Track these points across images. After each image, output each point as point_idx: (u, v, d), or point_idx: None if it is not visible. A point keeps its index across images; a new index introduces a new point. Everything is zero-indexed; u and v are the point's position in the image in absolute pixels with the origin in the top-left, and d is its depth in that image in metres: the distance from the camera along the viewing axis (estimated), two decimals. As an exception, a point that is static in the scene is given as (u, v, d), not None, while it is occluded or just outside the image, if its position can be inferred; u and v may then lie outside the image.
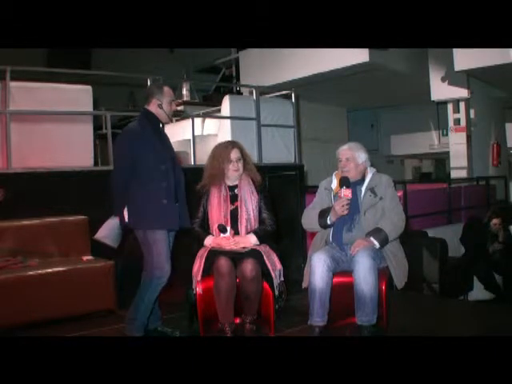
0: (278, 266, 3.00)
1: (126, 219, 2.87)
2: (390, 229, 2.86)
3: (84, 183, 3.86)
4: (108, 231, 2.94)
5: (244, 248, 2.96)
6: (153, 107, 2.93)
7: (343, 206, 2.86)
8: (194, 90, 7.94)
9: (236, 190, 3.12)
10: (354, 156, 3.00)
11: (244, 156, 3.15)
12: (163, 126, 3.10)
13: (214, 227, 3.05)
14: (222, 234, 3.01)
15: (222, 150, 3.12)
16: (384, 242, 2.84)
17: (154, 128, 2.93)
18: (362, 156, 3.01)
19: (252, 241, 3.01)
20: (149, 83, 4.18)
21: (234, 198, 3.10)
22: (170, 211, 2.87)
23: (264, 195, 3.16)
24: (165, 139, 3.03)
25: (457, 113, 7.88)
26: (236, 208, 3.08)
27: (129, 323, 2.89)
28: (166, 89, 2.97)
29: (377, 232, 2.84)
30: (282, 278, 3.01)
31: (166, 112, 2.94)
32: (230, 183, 3.14)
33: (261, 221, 3.12)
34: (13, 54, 4.18)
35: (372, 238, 2.83)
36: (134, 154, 2.79)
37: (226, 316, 2.87)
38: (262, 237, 3.05)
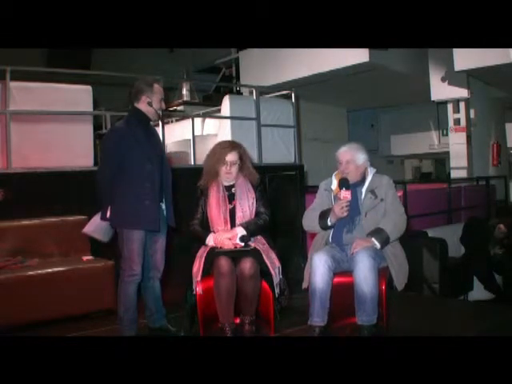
0: (277, 263, 3.00)
1: (108, 215, 2.86)
2: (391, 229, 2.85)
3: (84, 183, 3.85)
4: (95, 226, 2.95)
5: (248, 246, 2.96)
6: (142, 105, 2.88)
7: (342, 208, 2.85)
8: (194, 89, 7.93)
9: (233, 190, 3.12)
10: (353, 158, 2.98)
11: (243, 158, 3.12)
12: (155, 125, 3.05)
13: (215, 227, 3.05)
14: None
15: (220, 150, 3.08)
16: (385, 242, 2.83)
17: (142, 126, 2.90)
18: (361, 157, 3.00)
19: (238, 231, 2.98)
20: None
21: (231, 198, 3.10)
22: (150, 212, 2.83)
23: (259, 190, 3.16)
24: (153, 138, 3.00)
25: (457, 113, 7.87)
26: (234, 207, 3.08)
27: (119, 324, 2.91)
28: (156, 86, 2.92)
29: (378, 232, 2.83)
30: (281, 276, 3.00)
31: (155, 109, 2.89)
32: (226, 183, 3.13)
33: (256, 215, 3.11)
34: (13, 53, 4.18)
35: (373, 239, 2.82)
36: (120, 153, 2.77)
37: (226, 316, 2.87)
38: (249, 228, 3.01)
